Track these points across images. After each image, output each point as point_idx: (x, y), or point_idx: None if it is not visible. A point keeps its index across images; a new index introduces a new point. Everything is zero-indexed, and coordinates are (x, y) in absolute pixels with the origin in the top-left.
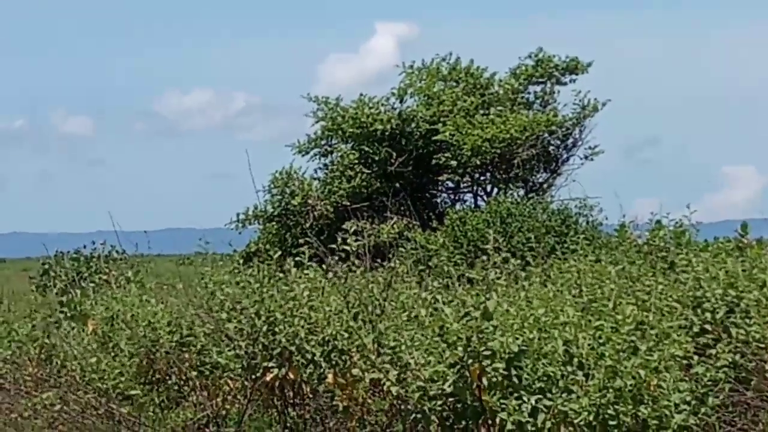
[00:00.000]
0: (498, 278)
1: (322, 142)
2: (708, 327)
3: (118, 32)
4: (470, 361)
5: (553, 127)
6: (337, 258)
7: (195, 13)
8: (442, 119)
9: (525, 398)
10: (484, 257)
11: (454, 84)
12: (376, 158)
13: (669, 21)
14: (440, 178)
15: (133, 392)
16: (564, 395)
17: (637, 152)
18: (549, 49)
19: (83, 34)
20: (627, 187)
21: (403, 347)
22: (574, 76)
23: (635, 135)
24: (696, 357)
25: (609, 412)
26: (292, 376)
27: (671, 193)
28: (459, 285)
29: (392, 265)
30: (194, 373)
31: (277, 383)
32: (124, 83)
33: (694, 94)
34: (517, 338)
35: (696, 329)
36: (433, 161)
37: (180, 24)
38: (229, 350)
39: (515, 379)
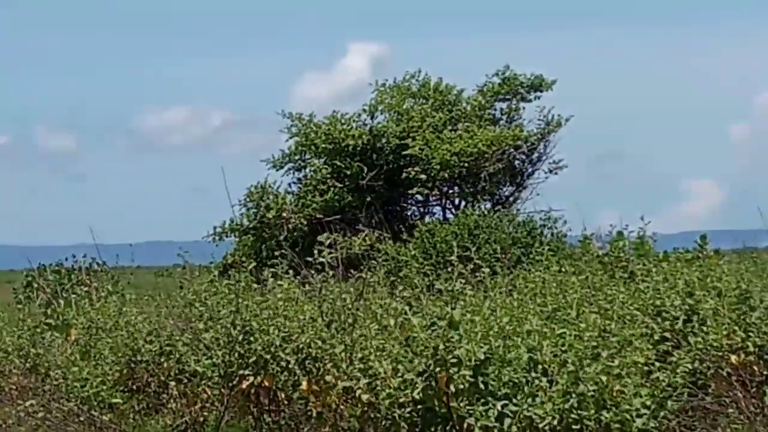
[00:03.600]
0: (463, 289)
1: (296, 157)
2: (668, 335)
3: (97, 50)
4: (437, 369)
5: (519, 142)
6: (311, 269)
7: (171, 31)
8: (411, 134)
9: (491, 404)
10: (450, 268)
11: (424, 101)
12: (348, 173)
13: (632, 36)
14: (410, 191)
15: (114, 400)
16: (529, 401)
17: (601, 165)
18: (516, 66)
19: (63, 51)
20: (591, 199)
21: (373, 357)
22: (538, 93)
23: (599, 148)
24: (656, 363)
25: (572, 416)
26: (267, 383)
27: (634, 204)
28: (428, 295)
29: (364, 275)
30: (173, 382)
31: (252, 391)
32: (104, 100)
33: (657, 107)
34: (483, 346)
35: (656, 337)
36: (403, 175)
37: (156, 41)
38: (207, 359)
39: (481, 386)
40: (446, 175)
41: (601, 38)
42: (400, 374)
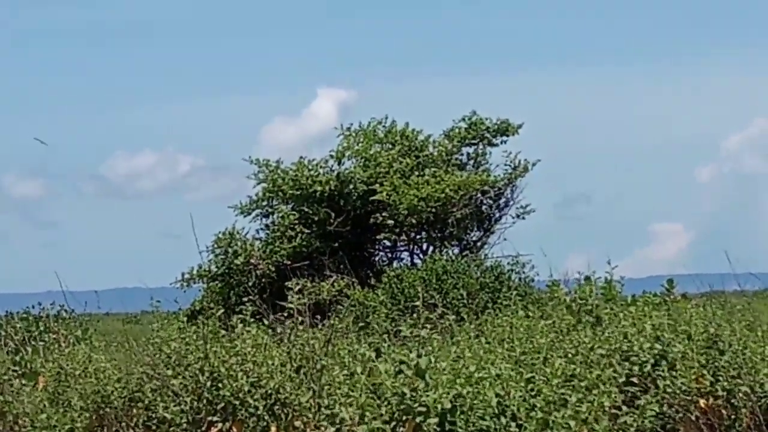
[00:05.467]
0: (430, 335)
1: (264, 203)
2: (635, 379)
3: (66, 96)
4: (404, 417)
5: (486, 187)
6: (280, 315)
7: (139, 77)
8: (379, 180)
9: None
10: (416, 315)
11: (390, 146)
12: (316, 218)
13: (598, 78)
14: (378, 237)
15: None
16: None
17: (569, 209)
18: (483, 110)
19: (31, 97)
20: (559, 243)
21: (340, 404)
22: (505, 138)
23: (568, 192)
24: (624, 408)
25: None
26: (236, 429)
27: (602, 248)
28: (395, 341)
29: (332, 322)
30: (142, 429)
31: None
32: (73, 147)
33: (624, 150)
34: (449, 393)
35: (623, 380)
36: (371, 221)
37: (125, 87)
38: (175, 405)
39: None
40: (414, 221)
41: (568, 81)
42: (366, 422)
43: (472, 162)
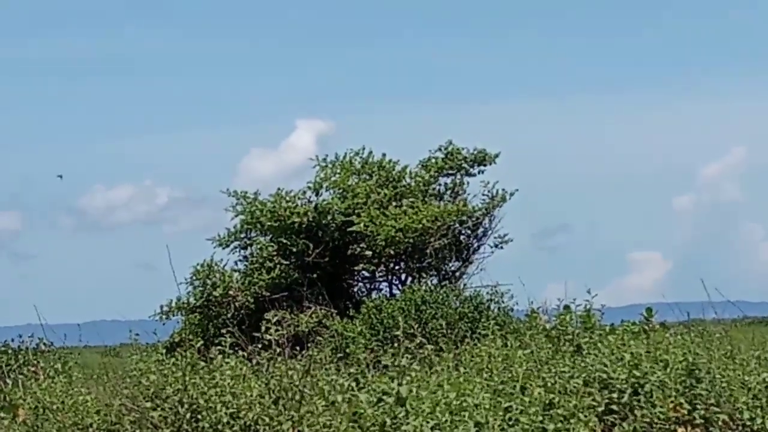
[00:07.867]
0: (410, 364)
1: (242, 235)
2: (614, 407)
3: (42, 128)
4: None
5: (464, 217)
6: (258, 346)
7: (116, 109)
8: (356, 211)
9: None
10: (396, 345)
11: (368, 177)
12: (294, 250)
13: (574, 108)
14: (356, 267)
15: None
16: None
17: (548, 238)
18: (459, 140)
19: (7, 129)
20: (539, 272)
21: None
22: (482, 167)
23: (546, 222)
24: None
25: None
26: None
27: (581, 277)
28: (375, 371)
29: (311, 353)
30: None
31: None
32: (49, 181)
33: (602, 179)
34: (429, 422)
35: (602, 409)
36: (349, 252)
37: (101, 120)
38: None
39: None
40: (392, 252)
41: (544, 111)
42: None
43: (449, 192)
